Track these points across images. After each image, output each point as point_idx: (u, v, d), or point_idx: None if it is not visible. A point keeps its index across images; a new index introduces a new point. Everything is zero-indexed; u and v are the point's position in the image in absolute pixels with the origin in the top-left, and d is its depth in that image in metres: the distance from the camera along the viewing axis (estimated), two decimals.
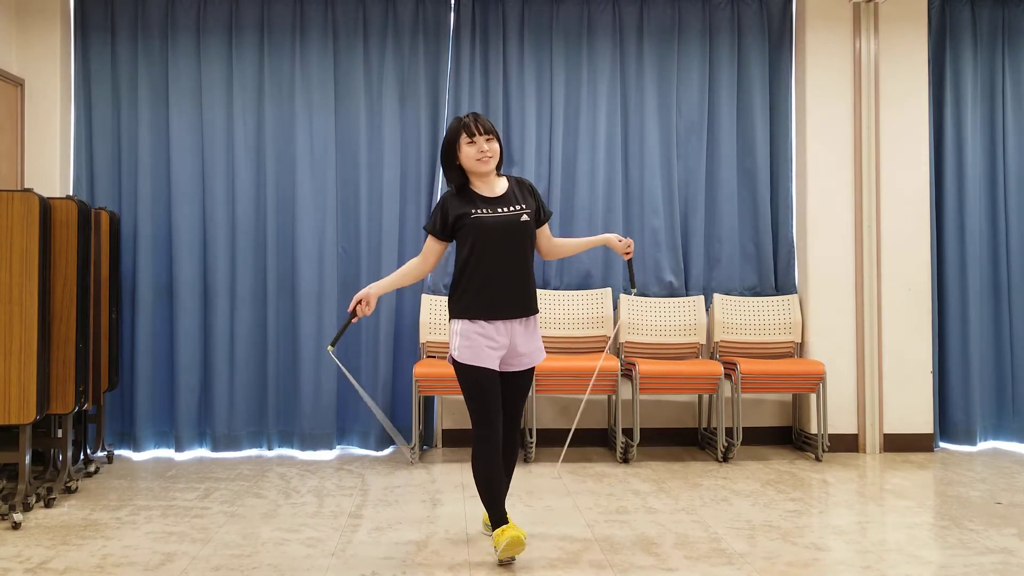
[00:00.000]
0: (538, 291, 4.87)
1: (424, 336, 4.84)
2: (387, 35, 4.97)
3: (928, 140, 4.98)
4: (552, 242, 3.26)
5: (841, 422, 4.87)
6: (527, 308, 3.07)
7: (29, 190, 3.63)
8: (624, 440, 4.60)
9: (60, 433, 3.95)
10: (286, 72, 4.92)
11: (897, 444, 4.88)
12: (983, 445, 5.04)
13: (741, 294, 5.07)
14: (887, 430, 4.88)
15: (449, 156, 3.05)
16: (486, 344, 2.98)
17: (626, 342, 4.93)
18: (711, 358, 4.97)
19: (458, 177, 3.07)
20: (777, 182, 5.11)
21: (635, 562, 2.99)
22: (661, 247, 5.02)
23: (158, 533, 3.33)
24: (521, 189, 3.12)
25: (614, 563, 2.98)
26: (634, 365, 4.62)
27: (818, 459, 4.66)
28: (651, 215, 5.02)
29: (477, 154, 2.99)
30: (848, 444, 4.87)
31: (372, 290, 3.05)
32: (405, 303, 4.95)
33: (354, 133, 4.93)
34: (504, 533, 2.90)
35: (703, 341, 4.95)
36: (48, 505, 3.70)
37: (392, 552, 3.11)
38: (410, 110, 4.98)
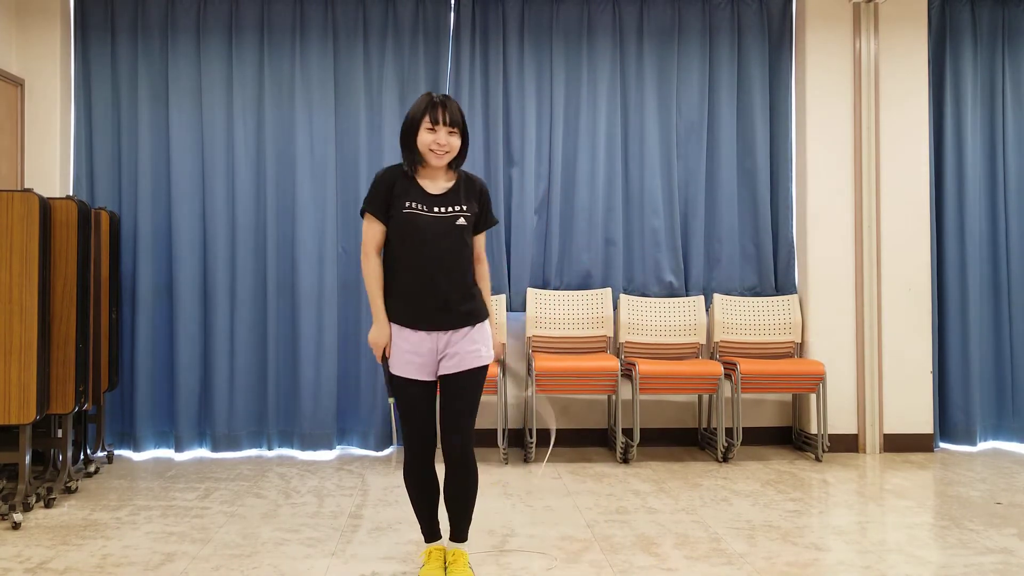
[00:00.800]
0: (537, 291, 4.97)
1: None
2: (387, 35, 4.97)
3: (928, 140, 4.98)
4: (480, 264, 2.82)
5: (841, 422, 4.87)
6: (460, 320, 2.70)
7: (29, 190, 3.63)
8: (624, 440, 4.60)
9: (60, 433, 3.95)
10: (286, 72, 4.92)
11: (897, 444, 4.88)
12: (983, 445, 5.05)
13: (741, 294, 5.07)
14: (887, 430, 4.88)
15: (409, 136, 2.69)
16: (407, 351, 2.68)
17: (626, 342, 4.93)
18: (711, 358, 4.97)
19: (412, 159, 2.71)
20: (777, 182, 5.11)
21: (635, 562, 2.99)
22: (661, 247, 5.02)
23: (158, 533, 3.33)
24: (469, 189, 2.76)
25: (614, 563, 2.98)
26: (634, 365, 4.62)
27: (818, 459, 4.66)
28: (651, 215, 5.02)
29: (433, 144, 2.65)
30: (848, 444, 4.87)
31: (383, 336, 2.70)
32: None
33: (354, 133, 4.93)
34: (424, 567, 2.77)
35: (703, 341, 4.95)
36: (48, 505, 3.70)
37: (392, 552, 3.11)
38: None
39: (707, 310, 5.03)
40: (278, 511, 3.66)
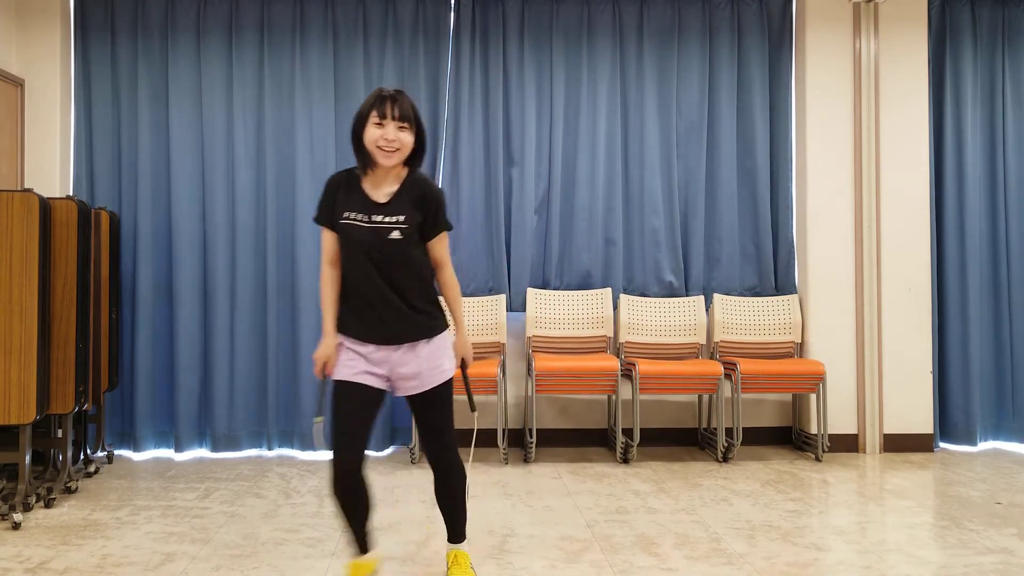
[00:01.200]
0: (537, 291, 4.97)
1: None
2: (387, 35, 4.97)
3: (928, 140, 4.98)
4: (441, 271, 2.65)
5: (841, 422, 4.87)
6: (409, 335, 2.53)
7: (29, 190, 3.63)
8: (624, 440, 4.60)
9: (60, 433, 3.95)
10: (286, 72, 4.92)
11: (897, 444, 4.88)
12: (983, 445, 5.05)
13: (741, 294, 5.07)
14: (887, 430, 4.89)
15: (357, 134, 2.50)
16: (354, 357, 2.53)
17: (626, 342, 4.93)
18: (711, 358, 4.97)
19: (362, 160, 2.51)
20: (777, 182, 5.11)
21: (635, 562, 2.99)
22: (661, 247, 5.02)
23: (158, 533, 3.33)
24: (411, 194, 2.53)
25: (614, 563, 2.98)
26: (634, 365, 4.62)
27: (818, 459, 4.66)
28: (651, 215, 5.02)
29: (381, 140, 2.44)
30: (848, 444, 4.87)
31: (330, 349, 2.54)
32: None
33: None
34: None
35: (703, 341, 4.95)
36: (48, 505, 3.70)
37: (392, 552, 3.11)
38: None
39: (707, 310, 5.03)
40: (278, 511, 3.66)
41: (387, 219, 2.48)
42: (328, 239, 2.57)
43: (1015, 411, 5.06)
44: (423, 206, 2.53)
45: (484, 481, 4.18)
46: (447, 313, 2.69)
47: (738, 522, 3.49)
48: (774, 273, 5.11)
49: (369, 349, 2.52)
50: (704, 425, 5.03)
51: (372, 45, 4.98)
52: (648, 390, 4.64)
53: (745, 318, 4.99)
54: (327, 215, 2.56)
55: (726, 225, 5.06)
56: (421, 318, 2.55)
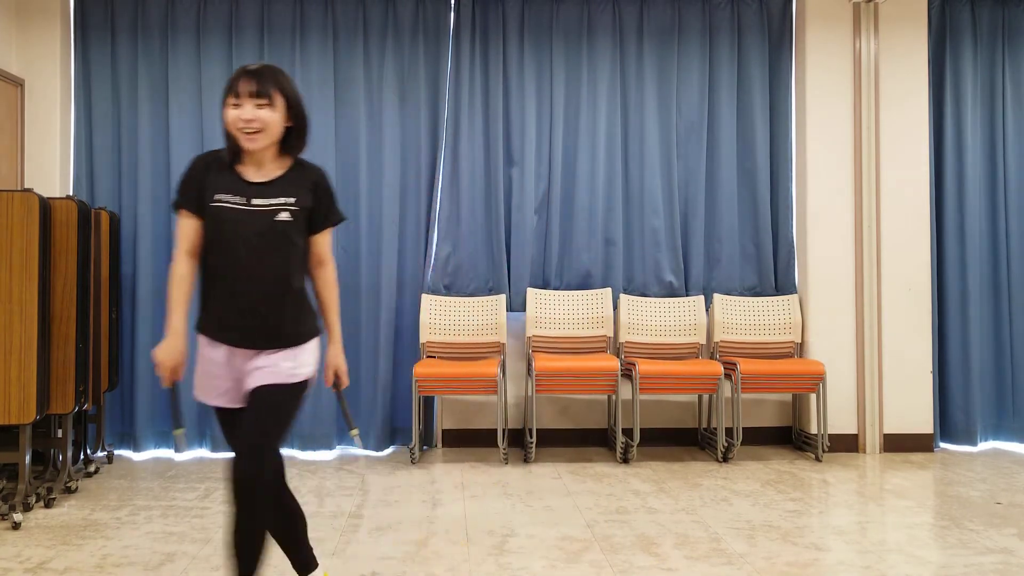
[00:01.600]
0: (537, 291, 4.97)
1: (424, 336, 4.84)
2: (387, 35, 4.97)
3: (928, 140, 4.98)
4: (324, 268, 2.33)
5: (841, 422, 4.87)
6: (272, 340, 2.21)
7: (29, 190, 3.63)
8: (624, 440, 4.60)
9: (60, 433, 3.95)
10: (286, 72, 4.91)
11: (897, 444, 4.88)
12: (983, 445, 5.05)
13: (741, 294, 5.07)
14: (887, 430, 4.88)
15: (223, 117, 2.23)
16: (208, 372, 2.26)
17: (626, 342, 4.93)
18: (711, 358, 4.97)
19: (231, 146, 2.22)
20: (777, 182, 5.11)
21: (635, 562, 2.99)
22: (661, 247, 5.02)
23: (158, 533, 3.33)
24: (300, 178, 2.24)
25: (614, 563, 2.98)
26: (634, 365, 4.62)
27: (818, 459, 4.66)
28: (651, 215, 5.02)
29: (239, 122, 2.15)
30: (848, 444, 4.87)
31: (171, 354, 2.19)
32: (405, 303, 4.95)
33: (354, 133, 4.93)
34: None
35: (703, 341, 4.95)
36: (48, 505, 3.70)
37: (392, 552, 3.11)
38: (410, 110, 4.98)
39: (707, 310, 5.03)
40: None
41: (271, 202, 2.19)
42: (188, 226, 2.22)
43: (1015, 411, 5.06)
44: (316, 192, 2.25)
45: (484, 481, 4.19)
46: (320, 318, 2.35)
47: (738, 522, 3.49)
48: (774, 273, 5.11)
49: (222, 355, 2.22)
50: (704, 425, 5.03)
51: (372, 45, 4.98)
52: (648, 390, 4.64)
53: (745, 318, 4.99)
54: (192, 200, 2.21)
55: (726, 225, 5.06)
56: (289, 322, 2.22)
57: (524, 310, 4.96)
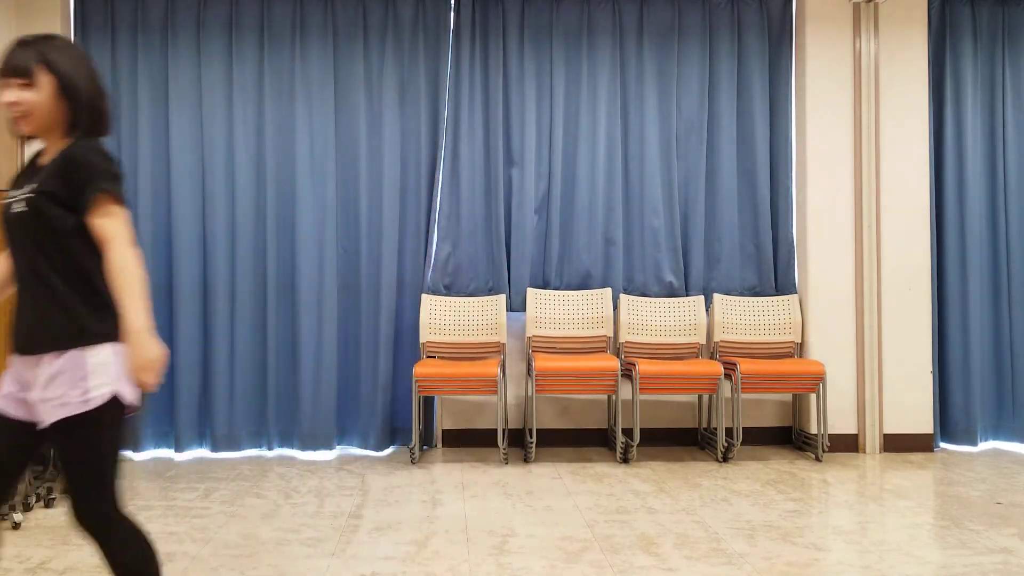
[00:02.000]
0: (537, 291, 4.97)
1: (424, 336, 4.84)
2: (387, 35, 4.97)
3: (928, 140, 4.98)
4: (105, 251, 1.91)
5: (841, 422, 4.87)
6: (36, 344, 1.89)
7: None
8: (624, 440, 4.60)
9: None
10: (286, 72, 4.92)
11: (897, 444, 4.88)
12: (984, 445, 5.05)
13: (741, 294, 5.07)
14: (887, 430, 4.89)
15: None
16: (6, 378, 1.99)
17: (626, 342, 4.93)
18: (711, 358, 4.97)
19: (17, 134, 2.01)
20: (777, 182, 5.11)
21: (635, 562, 2.99)
22: (661, 247, 5.02)
23: (158, 533, 3.33)
24: (58, 161, 1.90)
25: (614, 563, 2.98)
26: (634, 365, 4.62)
27: (818, 459, 4.66)
28: (651, 215, 5.02)
29: (5, 107, 1.93)
30: (848, 444, 4.88)
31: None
32: (405, 303, 4.95)
33: (354, 133, 4.93)
34: None
35: (703, 341, 4.95)
36: (48, 505, 3.70)
37: (392, 552, 3.11)
38: (410, 110, 4.98)
39: (707, 310, 5.03)
40: (278, 511, 3.66)
41: (18, 192, 1.93)
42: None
43: (1015, 411, 5.06)
44: (66, 170, 1.88)
45: (484, 481, 4.19)
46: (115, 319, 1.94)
47: (738, 522, 3.49)
48: (774, 273, 5.11)
49: (15, 363, 1.96)
50: (704, 425, 5.04)
51: (372, 45, 4.98)
52: (648, 390, 4.64)
53: (745, 318, 4.99)
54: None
55: (726, 225, 5.06)
56: (49, 320, 1.88)
57: (524, 310, 4.96)
